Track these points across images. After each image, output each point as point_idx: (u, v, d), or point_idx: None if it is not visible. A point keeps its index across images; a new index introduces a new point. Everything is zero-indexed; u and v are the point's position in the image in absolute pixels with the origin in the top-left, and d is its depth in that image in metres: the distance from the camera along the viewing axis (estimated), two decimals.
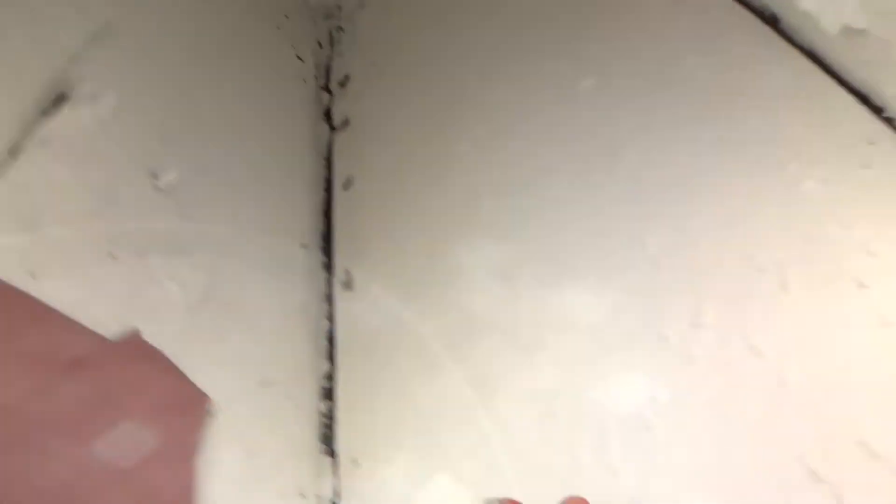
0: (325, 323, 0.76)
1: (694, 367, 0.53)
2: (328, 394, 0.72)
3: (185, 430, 0.54)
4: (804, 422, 0.45)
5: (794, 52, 0.60)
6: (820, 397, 0.46)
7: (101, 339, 0.49)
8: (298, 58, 0.93)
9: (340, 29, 0.99)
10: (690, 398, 0.51)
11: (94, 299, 0.49)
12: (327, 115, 0.91)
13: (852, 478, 0.42)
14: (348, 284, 0.77)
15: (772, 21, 0.64)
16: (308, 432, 0.69)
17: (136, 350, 0.52)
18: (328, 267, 0.79)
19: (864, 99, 0.55)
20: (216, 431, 0.54)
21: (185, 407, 0.56)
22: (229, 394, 0.57)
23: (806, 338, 0.49)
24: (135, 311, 0.52)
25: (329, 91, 0.94)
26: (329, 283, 0.78)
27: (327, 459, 0.67)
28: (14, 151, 0.49)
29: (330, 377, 0.73)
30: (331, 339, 0.76)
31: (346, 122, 0.89)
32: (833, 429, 0.44)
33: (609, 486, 0.51)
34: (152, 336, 0.52)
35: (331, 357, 0.75)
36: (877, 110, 0.55)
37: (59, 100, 0.55)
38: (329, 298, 0.77)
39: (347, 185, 0.83)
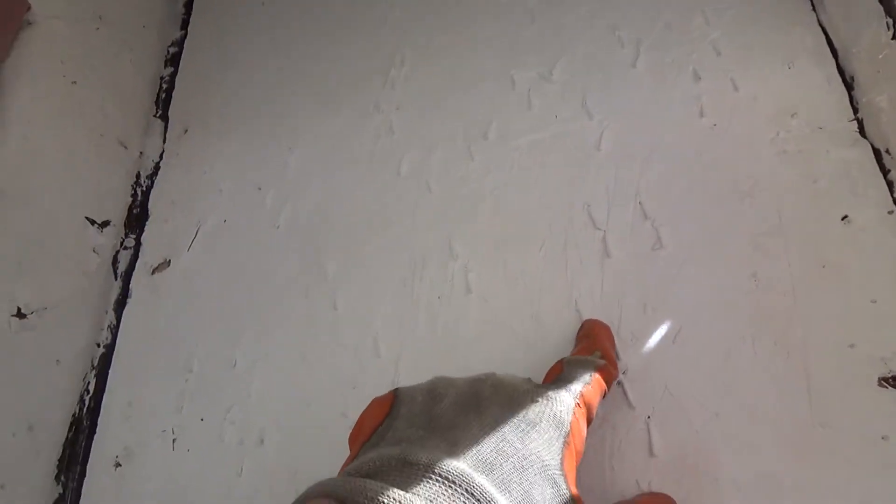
0: None
1: (530, 113, 0.55)
2: (174, 60, 0.68)
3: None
4: (599, 179, 0.49)
5: None
6: (620, 162, 0.49)
7: None
8: None
9: None
10: (518, 140, 0.53)
11: None
12: None
13: (620, 229, 0.47)
14: None
15: None
16: (145, 93, 0.66)
17: None
18: None
19: None
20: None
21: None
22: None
23: (634, 112, 0.51)
24: None
25: None
26: None
27: (159, 122, 0.65)
28: None
29: (179, 45, 0.69)
30: (188, 7, 0.71)
31: None
32: (619, 189, 0.48)
33: (427, 200, 0.54)
34: None
35: (185, 25, 0.70)
36: None
37: None
38: None
39: None
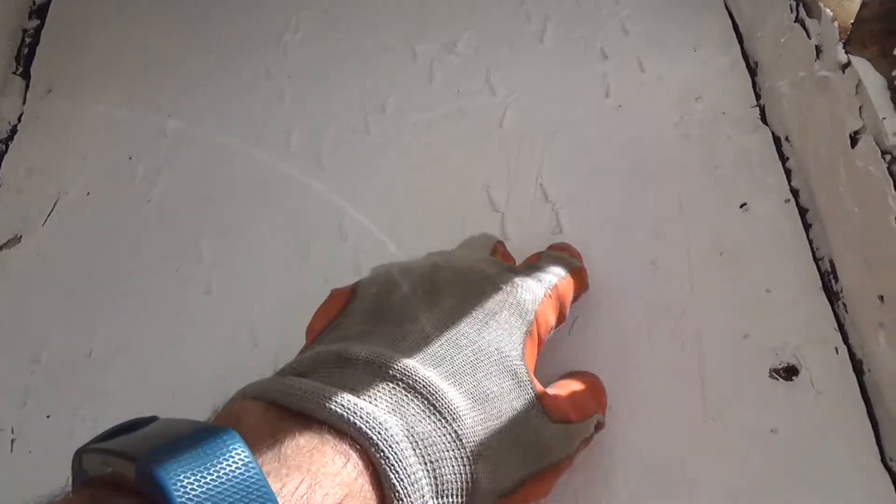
0: None
1: (432, 87, 0.51)
2: (41, 12, 0.61)
3: None
4: (501, 159, 0.46)
5: None
6: (523, 141, 0.47)
7: None
8: None
9: None
10: (418, 114, 0.50)
11: None
12: None
13: (519, 212, 0.44)
14: None
15: None
16: (4, 47, 0.58)
17: None
18: None
19: None
20: None
21: None
22: None
23: (539, 89, 0.49)
24: None
25: None
26: None
27: (19, 80, 0.58)
28: None
29: None
30: None
31: None
32: (521, 170, 0.45)
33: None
34: None
35: None
36: None
37: None
38: None
39: None
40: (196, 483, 0.14)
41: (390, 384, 0.21)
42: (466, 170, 0.47)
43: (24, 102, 0.57)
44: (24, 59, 0.59)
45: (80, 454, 0.19)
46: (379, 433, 0.18)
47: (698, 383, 0.37)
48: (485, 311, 0.26)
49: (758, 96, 0.45)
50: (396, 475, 0.18)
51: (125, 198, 0.51)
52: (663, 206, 0.42)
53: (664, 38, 0.49)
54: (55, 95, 0.58)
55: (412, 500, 0.18)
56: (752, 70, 0.46)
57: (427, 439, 0.20)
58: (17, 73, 0.59)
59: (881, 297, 0.33)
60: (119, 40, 0.60)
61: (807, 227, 0.40)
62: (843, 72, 0.34)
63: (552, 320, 0.31)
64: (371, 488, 0.18)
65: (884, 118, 0.31)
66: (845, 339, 0.36)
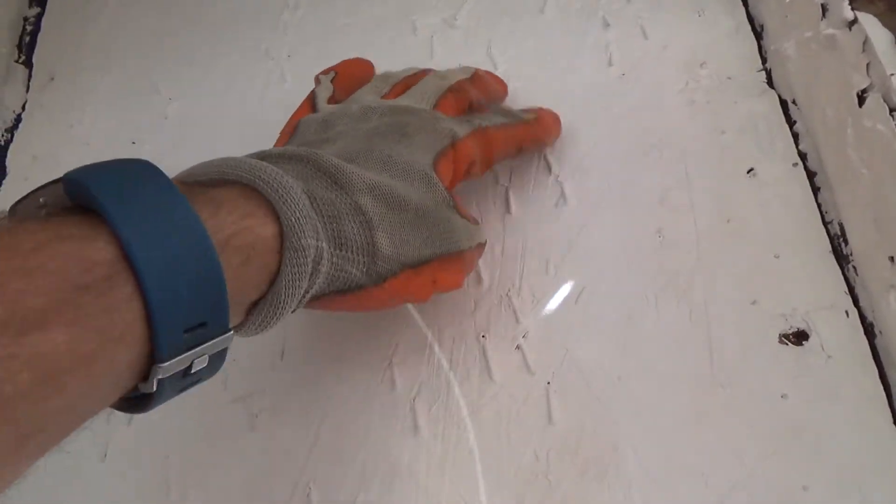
0: None
1: (432, 61, 0.51)
2: (40, 0, 0.61)
3: None
4: None
5: None
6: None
7: None
8: None
9: None
10: None
11: None
12: None
13: (523, 184, 0.43)
14: None
15: None
16: (5, 36, 0.58)
17: None
18: None
19: None
20: None
21: None
22: None
23: (541, 61, 0.48)
24: None
25: None
26: None
27: (21, 69, 0.58)
28: None
29: None
30: None
31: None
32: None
33: None
34: None
35: None
36: None
37: None
38: None
39: None
40: (105, 170, 0.17)
41: (299, 164, 0.23)
42: None
43: (27, 91, 0.57)
44: (26, 48, 0.59)
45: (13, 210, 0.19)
46: (276, 181, 0.20)
47: (707, 351, 0.36)
48: (401, 133, 0.28)
49: (764, 60, 0.44)
50: (289, 208, 0.20)
51: None
52: (669, 174, 0.42)
53: (667, 4, 0.48)
54: (58, 83, 0.58)
55: (305, 232, 0.20)
56: (758, 33, 0.45)
57: (327, 201, 0.22)
58: (20, 61, 0.59)
59: (891, 259, 0.32)
60: (119, 25, 0.60)
61: (815, 190, 0.39)
62: (850, 29, 0.34)
63: (475, 155, 0.31)
64: (270, 222, 0.20)
65: (892, 74, 0.31)
66: (856, 303, 0.36)
